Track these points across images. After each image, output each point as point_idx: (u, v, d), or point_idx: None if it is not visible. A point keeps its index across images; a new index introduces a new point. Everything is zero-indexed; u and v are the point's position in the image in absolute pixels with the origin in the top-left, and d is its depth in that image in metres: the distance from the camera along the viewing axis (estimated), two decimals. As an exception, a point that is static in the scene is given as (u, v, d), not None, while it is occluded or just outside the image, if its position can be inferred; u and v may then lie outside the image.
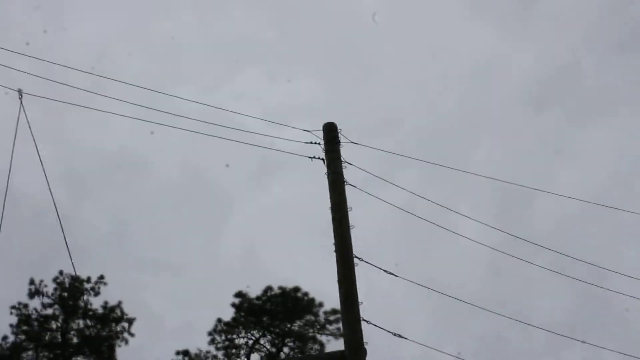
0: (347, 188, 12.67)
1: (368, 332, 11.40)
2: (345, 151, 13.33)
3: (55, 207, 11.97)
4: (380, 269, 12.17)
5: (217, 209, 76.97)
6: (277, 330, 35.53)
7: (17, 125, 12.49)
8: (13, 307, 32.90)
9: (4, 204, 12.11)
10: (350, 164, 13.25)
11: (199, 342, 34.96)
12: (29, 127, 12.46)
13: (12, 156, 12.51)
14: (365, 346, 11.31)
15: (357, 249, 12.01)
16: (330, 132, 13.43)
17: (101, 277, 33.97)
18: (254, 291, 35.53)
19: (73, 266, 11.58)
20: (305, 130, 13.67)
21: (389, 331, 11.80)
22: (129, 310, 34.30)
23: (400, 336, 11.96)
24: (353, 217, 12.34)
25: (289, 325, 35.34)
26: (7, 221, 12.04)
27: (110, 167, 75.85)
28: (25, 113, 12.51)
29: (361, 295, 11.64)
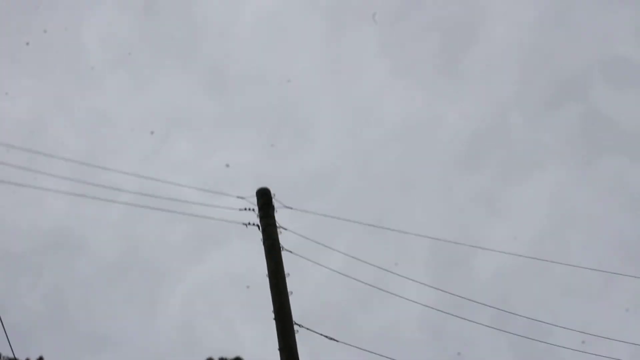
0: (284, 254, 12.54)
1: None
2: (281, 216, 13.26)
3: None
4: (322, 334, 12.01)
5: (154, 282, 75.71)
6: (220, 402, 34.83)
7: None
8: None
9: None
10: (285, 229, 13.15)
11: None
12: None
13: None
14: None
15: (297, 315, 11.85)
16: (264, 197, 13.35)
17: (40, 358, 32.95)
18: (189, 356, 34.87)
19: (11, 348, 11.05)
20: (239, 197, 13.57)
21: (332, 399, 11.62)
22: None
23: (344, 403, 11.78)
24: (291, 283, 12.20)
25: (231, 397, 34.68)
26: None
27: (45, 246, 74.31)
28: None
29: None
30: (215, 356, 34.97)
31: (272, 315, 11.91)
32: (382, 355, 12.96)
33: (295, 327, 11.70)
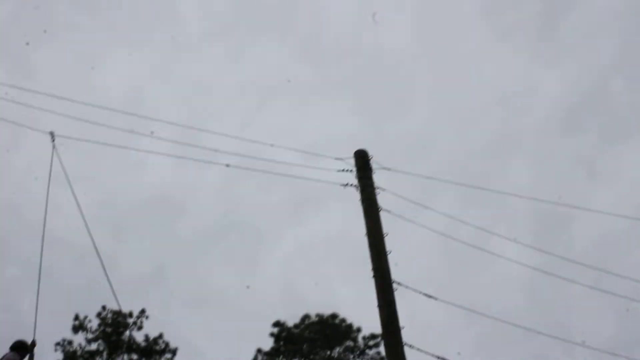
0: (383, 214, 12.71)
1: (410, 357, 11.42)
2: (379, 177, 13.41)
3: (94, 244, 12.08)
4: (420, 292, 12.19)
5: (253, 244, 77.43)
6: (317, 357, 35.50)
7: (50, 168, 12.36)
8: (57, 344, 33.19)
9: (42, 248, 12.15)
10: (383, 189, 13.30)
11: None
12: (63, 170, 12.35)
13: (47, 201, 12.43)
14: (409, 370, 11.34)
15: (396, 274, 12.05)
16: (362, 159, 13.49)
17: (142, 311, 34.22)
18: (293, 320, 35.64)
19: (116, 298, 11.64)
20: (337, 159, 13.75)
21: (432, 354, 11.80)
22: (171, 343, 34.55)
23: (443, 359, 11.96)
24: (390, 243, 12.38)
25: (328, 352, 35.30)
26: (47, 264, 12.12)
27: (148, 207, 76.75)
28: (58, 156, 12.41)
29: (402, 320, 11.67)
30: (313, 313, 35.73)
31: (370, 275, 12.14)
32: (480, 314, 13.08)
33: (394, 285, 11.91)
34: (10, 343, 11.77)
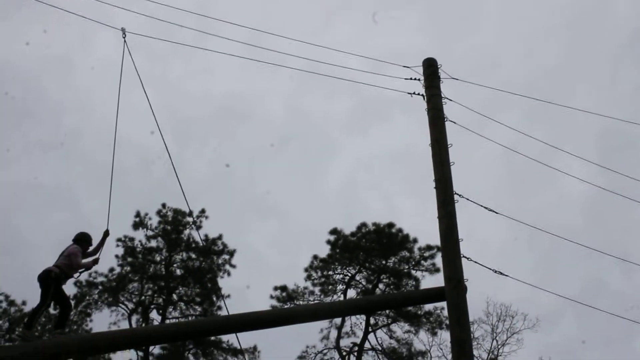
0: (448, 125, 12.51)
1: (468, 269, 11.38)
2: (446, 88, 13.16)
3: (164, 142, 12.14)
4: (481, 205, 12.06)
5: (318, 153, 77.94)
6: (372, 266, 35.83)
7: (121, 66, 12.35)
8: (119, 240, 34.01)
9: (114, 147, 12.29)
10: (450, 99, 13.07)
11: (297, 279, 35.69)
12: (135, 67, 12.32)
13: (118, 98, 12.49)
14: (465, 283, 11.30)
15: (457, 186, 11.92)
16: (430, 68, 13.24)
17: (202, 211, 34.74)
18: (349, 228, 35.89)
19: (184, 193, 11.74)
20: (404, 67, 13.53)
21: (489, 268, 11.73)
22: (230, 246, 35.16)
23: (501, 273, 11.87)
24: (453, 155, 12.22)
25: (383, 262, 35.56)
26: (115, 164, 12.28)
27: (215, 112, 77.50)
28: (129, 52, 12.40)
29: (461, 233, 11.60)
30: (370, 223, 35.89)
31: (432, 187, 12.03)
32: (540, 230, 12.91)
33: (455, 197, 11.79)
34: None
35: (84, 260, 11.76)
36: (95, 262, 11.94)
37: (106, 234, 12.01)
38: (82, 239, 11.95)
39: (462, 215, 11.85)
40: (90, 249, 12.03)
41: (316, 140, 79.83)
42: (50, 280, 11.27)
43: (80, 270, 11.82)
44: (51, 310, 34.27)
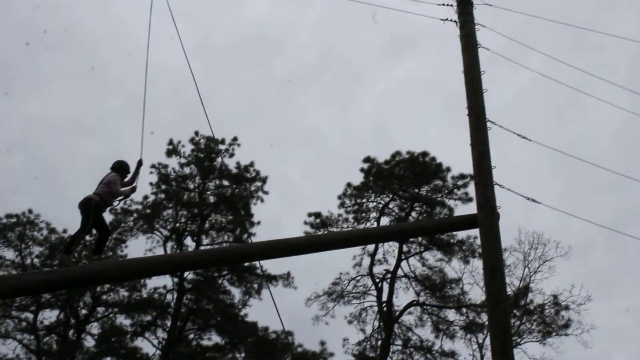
0: (482, 54, 12.36)
1: (501, 196, 11.38)
2: (480, 14, 12.96)
3: (192, 73, 12.10)
4: (514, 132, 11.97)
5: (349, 83, 77.44)
6: (406, 194, 35.87)
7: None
8: (153, 167, 34.25)
9: (145, 77, 12.33)
10: (483, 26, 12.89)
11: (331, 207, 35.85)
12: (167, 2, 12.32)
13: (149, 29, 12.49)
14: (498, 210, 11.31)
15: (490, 114, 11.82)
16: (464, -7, 13.04)
17: (234, 138, 34.79)
18: (382, 158, 35.84)
19: (211, 129, 11.78)
20: (437, -8, 13.32)
21: (522, 195, 11.71)
22: (263, 174, 35.29)
23: (533, 200, 11.86)
24: (487, 82, 12.09)
25: (417, 190, 35.58)
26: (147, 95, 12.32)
27: (245, 43, 77.00)
28: None
29: (494, 160, 11.55)
30: (404, 151, 35.81)
31: (465, 118, 11.93)
32: (573, 157, 12.80)
33: (488, 124, 11.71)
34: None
35: (123, 188, 11.94)
36: (133, 189, 12.14)
37: (140, 163, 12.16)
38: (120, 167, 12.12)
39: (495, 144, 11.80)
40: (128, 177, 12.20)
41: (350, 70, 79.33)
42: (91, 208, 11.47)
43: (119, 198, 12.04)
44: (87, 238, 35.10)
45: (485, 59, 12.50)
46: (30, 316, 34.46)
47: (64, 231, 35.48)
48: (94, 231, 12.08)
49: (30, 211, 35.62)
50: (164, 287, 34.25)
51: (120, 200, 12.11)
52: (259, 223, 33.75)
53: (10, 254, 35.16)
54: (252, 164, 34.98)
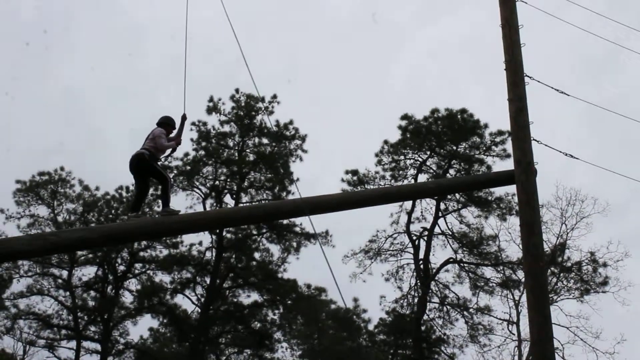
0: (519, 5, 12.13)
1: (538, 153, 11.27)
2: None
3: (234, 31, 12.07)
4: (552, 87, 11.82)
5: (389, 41, 76.80)
6: (443, 151, 35.67)
7: None
8: (193, 124, 34.37)
9: (186, 38, 12.35)
10: (521, -22, 12.63)
11: (369, 165, 35.76)
12: None
13: None
14: (535, 166, 11.22)
15: (528, 69, 11.66)
16: (502, -55, 12.79)
17: (274, 96, 34.70)
18: (421, 115, 35.57)
19: (256, 87, 11.79)
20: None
21: (560, 151, 11.59)
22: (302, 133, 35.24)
23: (571, 156, 11.73)
24: (525, 37, 11.91)
25: (454, 147, 35.36)
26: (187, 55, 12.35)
27: (283, 4, 76.62)
28: None
29: (532, 116, 11.42)
30: (442, 108, 35.54)
31: (503, 75, 11.78)
32: (612, 112, 12.63)
33: (526, 80, 11.57)
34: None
35: (168, 142, 12.06)
36: (179, 143, 12.27)
37: (184, 117, 12.27)
38: (166, 122, 12.25)
39: (533, 100, 11.66)
40: (173, 132, 12.31)
41: (385, 30, 78.66)
42: (144, 162, 11.64)
43: (166, 153, 12.24)
44: (123, 194, 35.53)
45: (525, 15, 12.32)
46: (65, 273, 35.13)
47: (97, 188, 36.01)
48: (133, 188, 12.25)
49: (62, 168, 36.14)
50: (201, 243, 34.63)
51: (167, 156, 12.27)
52: (297, 180, 33.75)
53: (43, 211, 35.82)
54: (291, 122, 34.92)
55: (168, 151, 12.28)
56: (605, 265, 34.28)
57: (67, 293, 34.88)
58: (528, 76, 11.52)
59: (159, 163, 12.08)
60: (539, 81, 11.55)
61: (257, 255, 34.69)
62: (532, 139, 11.25)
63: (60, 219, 35.33)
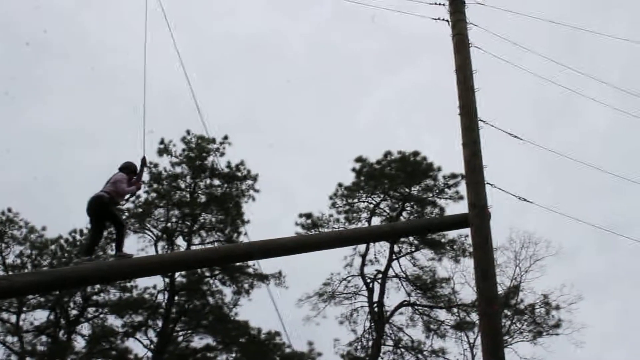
0: (477, 56, 12.37)
1: (492, 196, 11.38)
2: (472, 14, 12.99)
3: (187, 77, 12.07)
4: (505, 132, 11.99)
5: (348, 89, 77.64)
6: (397, 194, 35.87)
7: (146, 6, 12.43)
8: (144, 166, 33.93)
9: (144, 86, 12.36)
10: (475, 25, 12.91)
11: (323, 209, 35.77)
12: (161, 6, 12.35)
13: (145, 37, 12.55)
14: (490, 210, 11.32)
15: (485, 113, 11.83)
16: (455, -7, 13.07)
17: (225, 137, 34.59)
18: (375, 157, 35.79)
19: (202, 120, 11.77)
20: (428, -8, 13.35)
21: (513, 195, 11.72)
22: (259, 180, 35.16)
23: (525, 200, 11.87)
24: (479, 81, 12.10)
25: (408, 190, 35.59)
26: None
27: (239, 53, 77.08)
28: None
29: (487, 160, 11.57)
30: (395, 151, 35.83)
31: (458, 112, 11.91)
32: (566, 157, 12.83)
33: (480, 124, 11.72)
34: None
35: (129, 187, 12.05)
36: (139, 187, 12.34)
37: (144, 161, 12.30)
38: (128, 168, 12.33)
39: (488, 145, 11.81)
40: (134, 178, 12.29)
41: (346, 78, 79.59)
42: (103, 206, 11.55)
43: (126, 197, 12.22)
44: (77, 237, 34.94)
45: (480, 61, 12.53)
46: (14, 317, 34.27)
47: (43, 228, 35.33)
48: (88, 231, 12.20)
49: (9, 210, 35.43)
50: (154, 287, 34.18)
51: (127, 200, 12.31)
52: (248, 221, 33.57)
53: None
54: (242, 163, 34.83)
55: (127, 196, 12.24)
56: (558, 307, 34.62)
57: (16, 338, 34.00)
58: (482, 121, 11.69)
59: (121, 203, 12.06)
60: (492, 125, 11.72)
61: (209, 297, 34.31)
62: (486, 182, 11.37)
63: (9, 261, 34.56)
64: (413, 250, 35.59)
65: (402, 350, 34.82)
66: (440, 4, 13.16)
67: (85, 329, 35.07)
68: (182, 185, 34.92)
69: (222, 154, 34.80)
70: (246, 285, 34.19)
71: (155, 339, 33.15)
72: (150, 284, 34.28)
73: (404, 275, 35.36)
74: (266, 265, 37.25)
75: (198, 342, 34.10)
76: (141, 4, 12.11)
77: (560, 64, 14.03)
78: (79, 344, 34.80)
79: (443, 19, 13.00)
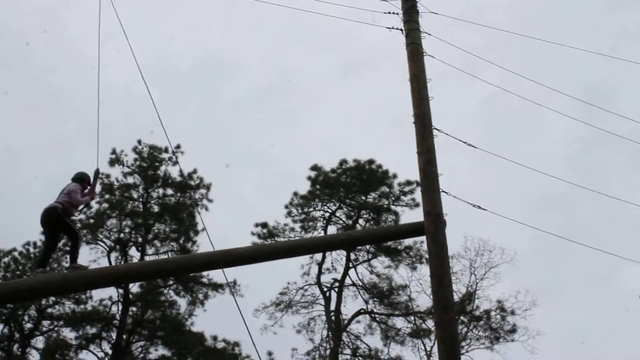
0: (431, 64, 12.45)
1: (447, 204, 11.45)
2: (426, 23, 13.07)
3: (147, 87, 11.98)
4: (460, 140, 12.06)
5: (300, 106, 77.87)
6: (353, 202, 35.92)
7: (99, 12, 12.42)
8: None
9: (98, 94, 12.28)
10: (428, 34, 12.99)
11: (279, 218, 35.67)
12: (118, 18, 12.33)
13: (99, 50, 12.52)
14: (445, 217, 11.37)
15: (437, 122, 11.89)
16: (409, 2, 13.16)
17: (178, 146, 34.33)
18: (330, 165, 35.83)
19: (167, 138, 11.70)
20: (382, 0, 13.41)
21: (468, 202, 11.79)
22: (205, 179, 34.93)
23: (479, 207, 11.94)
24: (433, 90, 12.18)
25: (363, 198, 35.66)
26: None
27: (198, 69, 76.93)
28: (113, 5, 12.37)
29: (440, 168, 11.62)
30: (351, 159, 35.89)
31: (413, 121, 11.97)
32: (521, 165, 12.95)
33: (435, 132, 11.78)
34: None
35: (83, 198, 11.96)
36: (93, 198, 12.35)
37: (97, 172, 12.27)
38: (81, 178, 12.31)
39: (443, 153, 11.89)
40: (88, 188, 12.20)
41: (301, 91, 79.90)
42: (56, 217, 11.51)
43: (80, 208, 12.16)
44: (31, 250, 34.40)
45: (437, 73, 12.62)
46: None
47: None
48: (41, 243, 12.05)
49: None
50: (110, 298, 33.77)
51: (80, 211, 12.22)
52: (203, 229, 33.27)
53: None
54: (195, 171, 34.59)
55: (81, 206, 12.14)
56: (513, 313, 34.88)
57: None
58: (437, 129, 11.75)
59: (75, 214, 11.95)
60: (447, 134, 11.79)
61: (163, 308, 33.98)
62: (441, 190, 11.43)
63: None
64: (370, 258, 35.64)
65: (360, 358, 34.82)
66: (394, 13, 13.23)
67: (40, 342, 34.59)
68: (135, 195, 34.56)
69: (175, 163, 34.52)
70: (201, 295, 33.94)
71: (109, 351, 32.74)
72: (106, 295, 33.92)
73: (361, 284, 35.40)
74: (219, 275, 37.05)
75: (154, 352, 33.78)
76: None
77: (516, 73, 14.18)
78: (34, 357, 34.32)
79: (397, 28, 13.05)
